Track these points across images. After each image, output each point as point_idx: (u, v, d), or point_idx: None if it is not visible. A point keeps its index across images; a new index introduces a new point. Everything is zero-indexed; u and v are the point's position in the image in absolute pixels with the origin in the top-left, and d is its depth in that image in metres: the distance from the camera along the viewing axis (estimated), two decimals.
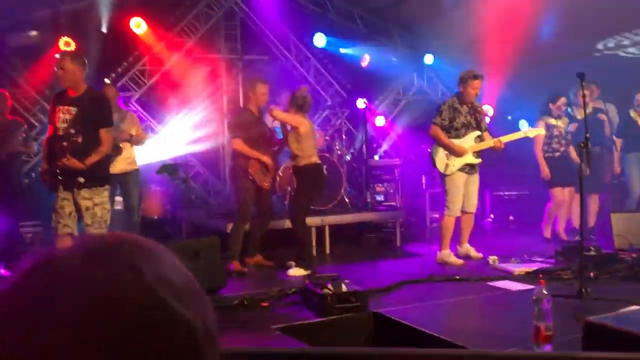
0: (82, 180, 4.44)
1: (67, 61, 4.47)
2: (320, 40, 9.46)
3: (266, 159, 5.71)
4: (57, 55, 4.58)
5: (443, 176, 5.96)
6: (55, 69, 4.50)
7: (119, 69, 8.34)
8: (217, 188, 9.00)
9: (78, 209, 4.51)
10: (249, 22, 9.18)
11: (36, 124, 7.96)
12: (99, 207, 4.53)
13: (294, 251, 5.84)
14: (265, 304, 4.47)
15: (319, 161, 5.93)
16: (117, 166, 6.10)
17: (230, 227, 6.06)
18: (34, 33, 7.76)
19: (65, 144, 4.37)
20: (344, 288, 4.26)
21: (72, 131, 4.40)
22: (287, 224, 6.19)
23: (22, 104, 7.80)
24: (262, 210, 5.93)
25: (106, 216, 4.62)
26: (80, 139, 4.37)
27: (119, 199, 6.39)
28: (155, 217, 7.86)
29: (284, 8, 8.93)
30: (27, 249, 6.96)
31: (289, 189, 7.27)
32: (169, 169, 7.54)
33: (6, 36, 7.63)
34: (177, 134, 8.30)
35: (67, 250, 0.61)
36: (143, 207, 7.67)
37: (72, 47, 7.74)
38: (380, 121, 9.89)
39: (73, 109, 4.45)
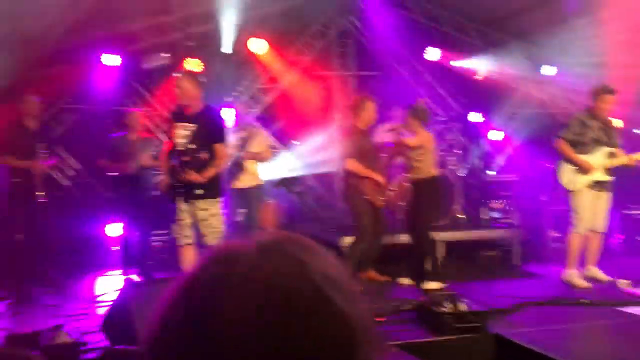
0: (199, 192, 4.71)
1: (184, 81, 4.78)
2: (433, 54, 9.36)
3: (379, 177, 5.72)
4: (176, 76, 4.88)
5: (569, 193, 5.66)
6: (175, 88, 4.82)
7: (240, 88, 8.75)
8: (329, 202, 9.13)
9: (195, 220, 4.77)
10: (362, 39, 9.29)
11: (164, 139, 8.54)
12: (214, 217, 4.78)
13: (407, 266, 5.79)
14: (380, 319, 4.46)
15: (438, 174, 5.85)
16: (241, 181, 6.39)
17: (344, 241, 6.15)
18: (165, 55, 8.33)
19: (185, 158, 4.65)
20: (463, 307, 4.15)
21: (192, 146, 4.68)
22: (400, 239, 6.15)
23: (154, 121, 8.41)
24: (375, 227, 5.90)
25: (220, 227, 4.85)
26: (203, 155, 4.63)
27: (241, 211, 6.66)
28: (271, 230, 8.12)
29: (396, 23, 8.95)
30: (157, 257, 7.46)
31: (402, 204, 7.23)
32: (286, 182, 7.76)
33: (141, 58, 8.25)
34: (293, 149, 8.54)
35: (242, 244, 0.67)
36: (259, 219, 7.97)
37: (199, 68, 8.25)
38: (495, 135, 9.58)
39: (191, 126, 4.73)
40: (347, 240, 6.21)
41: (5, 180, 5.86)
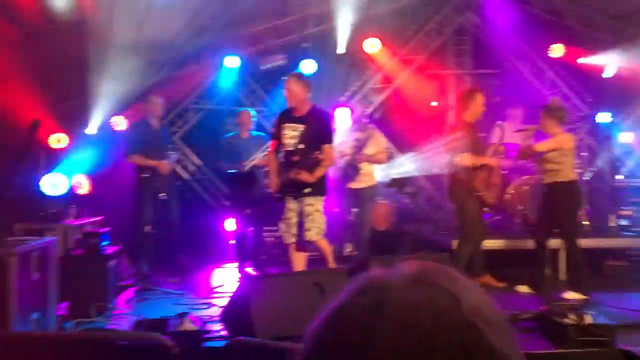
0: (308, 190, 4.78)
1: (293, 82, 4.84)
2: (557, 50, 8.84)
3: (492, 162, 5.45)
4: (284, 77, 4.95)
5: None
6: (284, 89, 4.89)
7: (353, 87, 8.80)
8: (440, 203, 8.94)
9: (301, 216, 4.84)
10: (480, 36, 8.99)
11: None
12: (318, 213, 4.83)
13: (527, 273, 5.50)
14: None
15: (577, 178, 5.49)
16: (357, 181, 6.41)
17: (455, 243, 5.98)
18: (281, 57, 8.56)
19: (295, 158, 4.74)
20: (587, 319, 3.89)
21: (301, 147, 4.75)
22: (518, 244, 5.87)
23: (269, 120, 8.68)
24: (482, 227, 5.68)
25: (323, 225, 4.88)
26: (313, 155, 4.68)
27: (354, 210, 6.68)
28: (381, 230, 8.09)
29: (517, 20, 8.57)
30: (270, 252, 7.69)
31: (521, 208, 6.92)
32: (398, 183, 7.69)
33: (259, 60, 8.54)
34: (406, 149, 8.45)
35: (389, 273, 0.66)
36: (370, 219, 7.96)
37: (314, 69, 8.40)
38: (625, 137, 8.87)
39: (299, 126, 4.80)
40: (456, 242, 6.05)
41: (135, 176, 6.31)
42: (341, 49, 8.46)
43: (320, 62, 8.48)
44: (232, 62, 8.28)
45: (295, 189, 4.78)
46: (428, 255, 5.05)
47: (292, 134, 4.81)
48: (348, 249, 7.04)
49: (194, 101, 8.60)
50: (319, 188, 4.84)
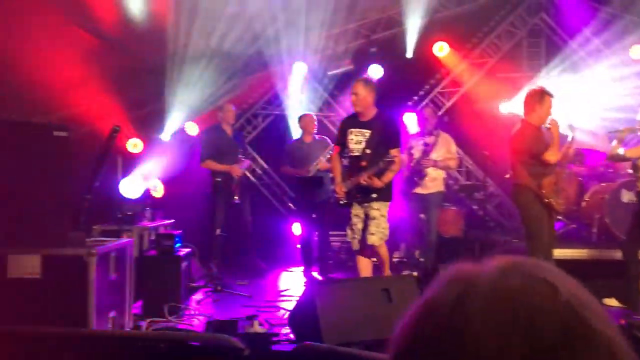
0: (374, 195, 4.74)
1: (360, 87, 4.79)
2: (637, 51, 8.41)
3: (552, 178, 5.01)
4: (356, 81, 4.91)
5: None
6: (351, 94, 4.86)
7: (421, 92, 8.71)
8: (512, 210, 8.68)
9: (366, 219, 4.80)
10: (555, 37, 8.69)
11: None
12: (383, 218, 4.78)
13: (615, 285, 5.12)
14: None
15: None
16: (424, 187, 6.31)
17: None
18: (347, 62, 8.58)
19: (363, 163, 4.71)
20: None
21: (368, 151, 4.72)
22: (602, 254, 5.58)
23: (336, 125, 8.71)
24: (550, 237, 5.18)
25: (386, 230, 4.81)
26: (381, 160, 4.63)
27: (421, 216, 6.59)
28: (448, 236, 7.93)
29: (595, 19, 8.22)
30: (336, 257, 7.71)
31: (599, 216, 6.61)
32: (468, 189, 7.53)
33: (326, 65, 8.59)
34: (473, 154, 8.27)
35: (478, 266, 0.64)
36: (437, 225, 7.83)
37: (381, 73, 8.37)
38: None
39: (366, 131, 4.77)
40: None
41: (209, 181, 6.53)
42: (409, 53, 8.40)
43: (387, 66, 8.45)
44: (300, 68, 8.37)
45: (362, 194, 4.76)
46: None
47: (358, 138, 4.79)
48: (417, 255, 6.94)
49: (262, 107, 8.74)
50: (385, 193, 4.80)
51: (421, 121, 6.76)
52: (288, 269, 7.31)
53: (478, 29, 8.72)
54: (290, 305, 5.05)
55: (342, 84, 8.64)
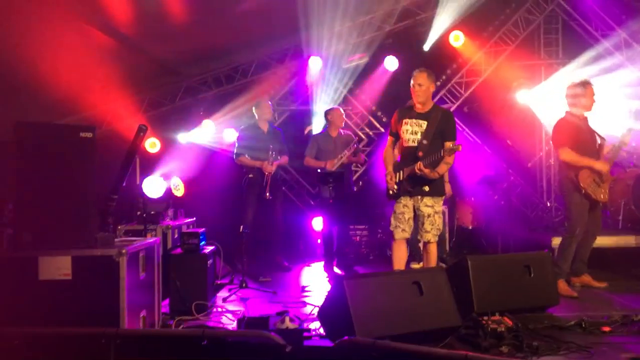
0: (427, 189, 4.71)
1: (424, 77, 4.77)
2: None
3: (599, 165, 5.17)
4: (415, 72, 4.85)
5: None
6: (412, 86, 4.80)
7: (438, 82, 8.63)
8: (534, 201, 8.60)
9: (416, 216, 4.78)
10: (572, 22, 8.58)
11: (363, 137, 8.76)
12: (437, 215, 4.75)
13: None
14: (606, 329, 4.06)
15: None
16: None
17: (555, 241, 5.73)
18: (363, 54, 8.52)
19: (420, 154, 4.67)
20: None
21: (425, 142, 4.69)
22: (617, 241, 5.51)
23: (353, 119, 8.68)
24: (589, 225, 5.34)
25: (441, 226, 4.81)
26: (437, 151, 4.61)
27: None
28: (470, 227, 7.89)
29: (613, 4, 8.11)
30: (356, 251, 7.68)
31: (622, 202, 6.53)
32: (489, 179, 7.46)
33: (341, 59, 8.54)
34: (493, 144, 8.20)
35: None
36: (457, 216, 7.78)
37: (396, 65, 8.31)
38: None
39: (423, 122, 4.75)
40: (557, 240, 5.78)
41: (243, 176, 6.66)
42: (425, 43, 8.34)
43: (402, 58, 8.39)
44: (315, 62, 8.33)
45: (414, 186, 4.74)
46: (527, 253, 4.84)
47: (414, 129, 4.76)
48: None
49: (279, 102, 8.72)
50: (437, 187, 4.77)
51: None
52: (308, 264, 7.29)
53: (494, 17, 8.62)
54: (314, 300, 5.04)
55: (357, 76, 8.60)
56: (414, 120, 4.78)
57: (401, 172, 4.81)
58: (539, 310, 4.45)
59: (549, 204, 8.56)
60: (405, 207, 4.77)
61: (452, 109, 8.57)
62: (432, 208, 4.73)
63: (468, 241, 7.69)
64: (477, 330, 3.71)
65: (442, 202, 4.86)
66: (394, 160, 4.96)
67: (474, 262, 4.21)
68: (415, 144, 4.73)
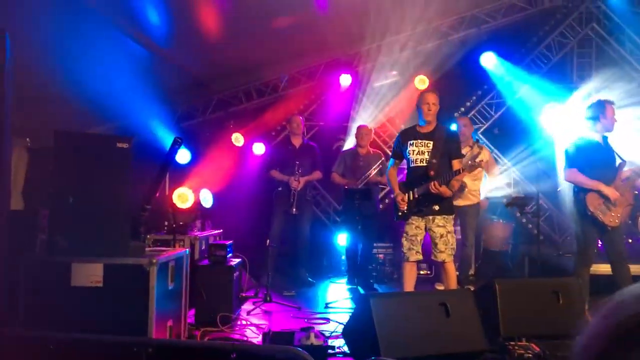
0: (437, 208, 4.70)
1: (436, 98, 4.81)
2: None
3: (608, 190, 4.87)
4: (426, 93, 4.86)
5: None
6: (421, 104, 4.81)
7: (468, 103, 8.62)
8: (562, 224, 8.48)
9: (431, 237, 4.77)
10: (606, 47, 8.50)
11: None
12: (450, 234, 4.75)
13: None
14: None
15: None
16: (462, 199, 6.28)
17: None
18: (394, 73, 8.56)
19: (432, 172, 4.68)
20: None
21: (435, 161, 4.69)
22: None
23: (381, 137, 8.69)
24: (609, 254, 5.06)
25: (454, 245, 4.81)
26: (446, 170, 4.61)
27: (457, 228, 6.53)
28: (497, 250, 7.79)
29: None
30: (380, 269, 7.65)
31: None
32: (518, 202, 7.39)
33: (371, 77, 8.59)
34: (521, 167, 8.12)
35: None
36: (484, 238, 7.70)
37: (427, 84, 8.32)
38: None
39: (429, 142, 4.76)
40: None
41: (273, 189, 6.77)
42: (456, 63, 8.35)
43: (434, 77, 8.40)
44: (345, 80, 8.39)
45: (425, 206, 4.74)
46: (556, 279, 4.77)
47: (420, 149, 4.78)
48: (470, 271, 6.84)
49: (307, 118, 8.78)
50: (448, 206, 4.78)
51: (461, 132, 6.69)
52: (332, 280, 7.28)
53: (529, 39, 8.60)
54: (338, 317, 5.04)
55: (387, 95, 8.63)
56: (419, 141, 4.80)
57: (411, 192, 4.80)
58: (567, 337, 4.37)
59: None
60: (417, 228, 4.77)
61: (481, 130, 8.54)
62: (445, 228, 4.73)
63: (494, 263, 7.60)
64: (504, 355, 3.67)
65: (452, 220, 4.85)
66: (397, 182, 4.98)
67: (502, 286, 4.17)
68: (424, 164, 4.74)
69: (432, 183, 4.62)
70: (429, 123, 4.81)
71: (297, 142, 6.91)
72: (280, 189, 6.68)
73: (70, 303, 3.47)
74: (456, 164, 4.76)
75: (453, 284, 4.83)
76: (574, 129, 6.99)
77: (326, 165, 7.12)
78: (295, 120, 6.94)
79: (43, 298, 3.44)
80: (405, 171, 5.02)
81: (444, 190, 4.62)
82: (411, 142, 4.82)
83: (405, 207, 4.81)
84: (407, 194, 4.84)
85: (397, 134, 5.08)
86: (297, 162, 6.55)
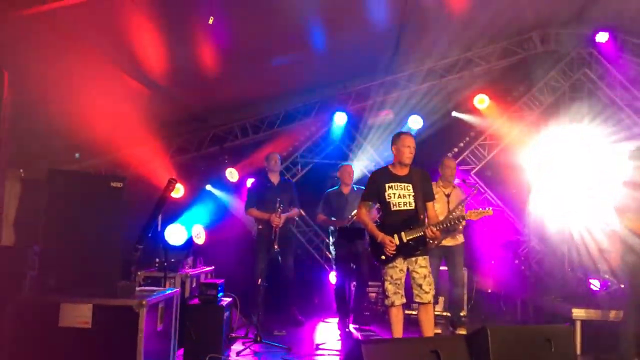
0: (420, 249, 4.70)
1: (414, 141, 4.80)
2: None
3: None
4: (405, 135, 4.85)
5: None
6: (401, 146, 4.77)
7: (461, 144, 8.69)
8: (555, 267, 8.45)
9: (414, 278, 4.73)
10: (597, 91, 8.65)
11: None
12: (430, 274, 4.73)
13: None
14: None
15: None
16: (451, 238, 6.30)
17: (577, 313, 5.61)
18: (388, 112, 8.65)
19: (422, 216, 4.68)
20: None
21: (420, 205, 4.71)
22: None
23: None
24: None
25: (433, 284, 4.77)
26: (424, 213, 4.62)
27: (443, 268, 6.53)
28: (489, 291, 7.78)
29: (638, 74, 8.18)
30: (371, 308, 7.58)
31: None
32: (510, 244, 7.40)
33: (366, 115, 8.67)
34: (515, 208, 8.16)
35: None
36: (476, 279, 7.68)
37: (421, 124, 8.41)
38: None
39: (408, 185, 4.74)
40: (577, 312, 5.68)
41: (253, 228, 6.61)
42: (452, 107, 8.48)
43: (427, 118, 8.50)
44: (340, 118, 8.47)
45: (414, 249, 4.73)
46: (549, 326, 4.74)
47: (401, 192, 4.74)
48: (462, 312, 6.79)
49: (302, 155, 8.83)
50: (426, 247, 4.80)
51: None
52: (324, 320, 7.21)
53: (519, 82, 8.73)
54: (328, 359, 4.97)
55: (380, 133, 8.69)
56: (397, 184, 4.75)
57: (396, 236, 4.73)
58: None
59: (569, 272, 8.40)
60: (401, 271, 4.71)
61: (474, 171, 8.59)
62: (427, 268, 4.72)
63: (486, 305, 7.58)
64: None
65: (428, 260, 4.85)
66: (373, 224, 4.88)
67: (494, 333, 4.13)
68: (409, 207, 4.71)
69: (430, 228, 4.63)
70: (405, 166, 4.80)
71: (275, 179, 6.89)
72: (260, 227, 6.60)
73: (58, 344, 3.42)
74: (430, 207, 4.78)
75: (432, 327, 4.77)
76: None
77: (318, 202, 7.12)
78: (273, 157, 6.92)
79: (30, 338, 3.39)
80: (380, 214, 5.01)
81: (439, 234, 4.63)
82: (389, 184, 4.77)
83: (393, 251, 4.74)
84: (394, 238, 4.79)
85: (371, 175, 4.96)
86: (278, 199, 6.48)
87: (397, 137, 4.84)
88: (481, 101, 8.44)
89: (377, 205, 5.15)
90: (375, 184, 4.82)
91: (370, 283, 7.73)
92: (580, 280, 7.65)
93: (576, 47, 8.64)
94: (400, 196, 4.73)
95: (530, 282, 7.77)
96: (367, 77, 8.62)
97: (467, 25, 7.44)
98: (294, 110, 8.81)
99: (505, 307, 7.42)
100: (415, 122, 8.52)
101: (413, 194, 4.72)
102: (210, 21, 5.46)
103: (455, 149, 8.63)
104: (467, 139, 8.73)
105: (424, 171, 4.95)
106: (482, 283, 7.69)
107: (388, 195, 4.73)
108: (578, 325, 5.62)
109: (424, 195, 4.75)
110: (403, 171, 4.78)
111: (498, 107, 8.60)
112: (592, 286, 6.95)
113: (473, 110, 8.56)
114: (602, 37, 8.21)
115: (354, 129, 8.76)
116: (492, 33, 8.08)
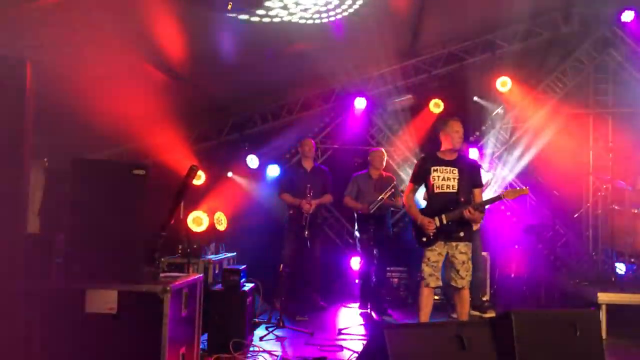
0: (462, 234, 4.69)
1: (461, 126, 4.82)
2: None
3: None
4: (452, 121, 4.87)
5: None
6: (450, 132, 4.79)
7: (483, 127, 8.59)
8: (579, 252, 8.37)
9: (453, 263, 4.74)
10: (623, 72, 8.46)
11: (405, 178, 8.72)
12: (470, 261, 4.75)
13: None
14: None
15: None
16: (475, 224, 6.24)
17: (602, 297, 5.55)
18: (408, 97, 8.56)
19: (462, 199, 4.68)
20: None
21: (465, 188, 4.74)
22: None
23: (395, 160, 8.66)
24: None
25: (471, 270, 4.79)
26: (472, 198, 4.63)
27: None
28: (512, 276, 7.71)
29: None
30: (393, 294, 7.58)
31: None
32: (534, 229, 7.32)
33: (386, 100, 8.61)
34: (539, 193, 8.05)
35: None
36: (499, 264, 7.62)
37: (441, 108, 8.32)
38: None
39: (454, 169, 4.77)
40: (603, 296, 5.61)
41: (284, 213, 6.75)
42: (473, 90, 8.36)
43: (448, 101, 8.40)
44: (360, 103, 8.42)
45: (453, 232, 4.72)
46: (574, 311, 4.69)
47: (446, 175, 4.80)
48: (485, 297, 6.77)
49: (322, 141, 8.80)
50: (469, 233, 4.84)
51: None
52: (346, 305, 7.23)
53: (544, 64, 8.58)
54: (351, 344, 4.99)
55: (402, 118, 8.63)
56: (443, 168, 4.81)
57: (437, 218, 4.77)
58: None
59: (594, 256, 8.31)
60: (439, 255, 4.78)
61: (496, 155, 8.49)
62: (466, 254, 4.78)
63: (510, 290, 7.52)
64: None
65: (470, 247, 4.87)
66: (416, 207, 4.95)
67: (518, 318, 4.10)
68: (452, 190, 4.76)
69: (468, 209, 4.63)
70: (454, 151, 4.81)
71: (308, 165, 6.92)
72: (291, 212, 6.66)
73: (85, 330, 3.48)
74: (477, 193, 4.82)
75: (467, 311, 4.82)
76: None
77: (340, 188, 7.10)
78: (307, 143, 6.94)
79: (58, 325, 3.45)
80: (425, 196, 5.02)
81: (478, 216, 4.62)
82: (435, 168, 4.83)
83: (433, 232, 4.76)
84: (434, 220, 4.80)
85: (419, 160, 5.08)
86: (309, 185, 6.49)
87: (444, 124, 4.91)
88: (504, 84, 8.31)
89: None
90: (421, 168, 4.92)
91: (392, 269, 7.73)
92: (605, 263, 7.56)
93: (600, 27, 8.45)
94: (444, 179, 4.80)
95: (555, 266, 7.69)
96: (386, 62, 8.53)
97: (489, 5, 7.31)
98: (313, 96, 8.78)
99: (529, 292, 7.35)
100: (435, 106, 8.43)
101: (458, 177, 4.76)
102: (229, 7, 5.45)
103: (477, 133, 8.53)
104: (489, 122, 8.62)
105: (474, 161, 5.11)
106: (506, 268, 7.63)
107: (432, 178, 4.82)
108: (603, 309, 5.56)
109: (471, 181, 4.81)
110: (451, 156, 4.86)
111: (520, 90, 8.47)
112: (617, 270, 6.87)
113: (495, 93, 8.43)
114: (627, 15, 8.01)
115: (374, 114, 8.71)
116: (514, 13, 7.92)
